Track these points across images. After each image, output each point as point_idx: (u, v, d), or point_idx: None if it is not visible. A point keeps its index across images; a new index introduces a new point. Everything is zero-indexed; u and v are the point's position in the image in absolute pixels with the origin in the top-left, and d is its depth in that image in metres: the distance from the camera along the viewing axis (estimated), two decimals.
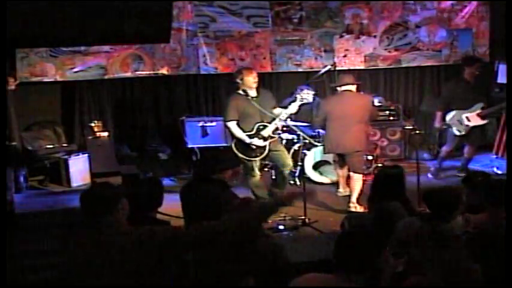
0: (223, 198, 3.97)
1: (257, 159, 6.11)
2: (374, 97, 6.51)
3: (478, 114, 7.02)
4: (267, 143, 6.07)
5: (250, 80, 6.03)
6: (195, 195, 4.14)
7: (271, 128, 6.06)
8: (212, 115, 8.34)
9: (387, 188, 4.40)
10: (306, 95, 6.04)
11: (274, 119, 6.06)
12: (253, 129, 6.06)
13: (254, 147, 6.05)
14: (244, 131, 6.07)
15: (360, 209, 6.06)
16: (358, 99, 6.33)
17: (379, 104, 7.50)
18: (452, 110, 7.13)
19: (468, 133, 7.07)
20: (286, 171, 6.35)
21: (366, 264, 2.55)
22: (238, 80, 6.07)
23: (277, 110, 6.23)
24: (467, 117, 7.02)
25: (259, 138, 6.05)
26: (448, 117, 7.15)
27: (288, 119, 7.28)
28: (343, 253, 2.59)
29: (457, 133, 7.10)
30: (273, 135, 6.08)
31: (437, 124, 7.32)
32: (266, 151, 6.10)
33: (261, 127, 6.06)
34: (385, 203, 4.14)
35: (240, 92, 6.08)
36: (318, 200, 6.50)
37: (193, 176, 4.63)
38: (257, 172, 6.25)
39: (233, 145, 6.16)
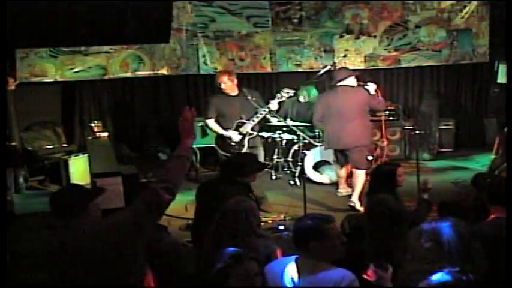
0: None
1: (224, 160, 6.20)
2: (367, 84, 6.40)
3: None
4: (246, 138, 6.21)
5: (222, 82, 6.20)
6: (219, 195, 4.12)
7: (249, 125, 6.20)
8: None
9: (380, 184, 4.43)
10: (285, 93, 6.27)
11: (253, 116, 6.21)
12: (232, 126, 6.24)
13: (233, 143, 6.21)
14: (224, 128, 6.26)
15: (360, 207, 6.08)
16: (353, 93, 6.28)
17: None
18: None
19: None
20: None
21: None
22: (217, 83, 6.31)
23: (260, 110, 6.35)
24: None
25: (239, 133, 6.23)
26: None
27: (288, 119, 7.34)
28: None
29: None
30: (251, 132, 6.23)
31: None
32: (245, 147, 6.21)
33: (240, 124, 6.24)
34: (376, 195, 4.19)
35: (222, 91, 6.28)
36: (318, 200, 6.51)
37: (220, 176, 4.63)
38: None
39: (214, 142, 6.38)
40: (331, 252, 2.79)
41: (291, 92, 6.38)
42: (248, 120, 6.21)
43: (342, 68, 7.05)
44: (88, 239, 2.57)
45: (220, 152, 6.29)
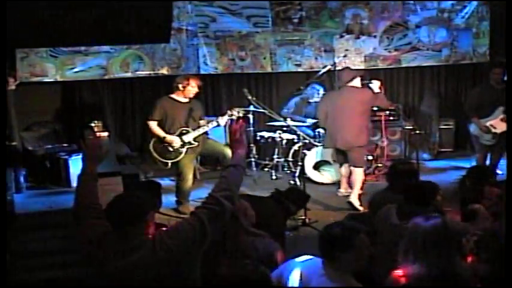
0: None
1: (169, 161, 6.13)
2: (371, 82, 6.44)
3: (502, 120, 6.55)
4: (185, 147, 6.11)
5: (192, 87, 6.17)
6: (265, 210, 4.13)
7: (193, 134, 6.14)
8: (212, 115, 8.34)
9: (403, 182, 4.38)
10: (236, 112, 6.28)
11: (199, 127, 6.18)
12: (175, 132, 6.13)
13: (171, 149, 6.09)
14: (166, 133, 6.12)
15: (359, 206, 6.14)
16: (358, 93, 6.32)
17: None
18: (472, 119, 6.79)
19: (498, 141, 6.63)
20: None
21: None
22: (179, 86, 6.18)
23: (202, 121, 6.31)
24: (491, 125, 6.60)
25: (181, 140, 6.12)
26: (472, 128, 6.83)
27: (289, 119, 7.33)
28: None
29: (488, 143, 6.70)
30: (193, 142, 6.16)
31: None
32: (181, 156, 6.12)
33: (184, 131, 6.15)
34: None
35: (172, 96, 6.23)
36: (318, 200, 6.51)
37: (275, 195, 4.81)
38: (190, 177, 6.27)
39: (151, 145, 6.17)
40: (357, 263, 2.72)
41: (241, 112, 6.38)
42: (193, 129, 6.15)
43: (346, 68, 6.99)
44: (149, 248, 2.56)
45: (155, 156, 6.13)
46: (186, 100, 6.23)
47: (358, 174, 6.33)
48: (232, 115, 6.26)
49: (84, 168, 2.94)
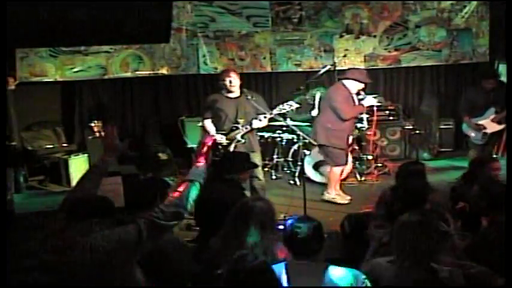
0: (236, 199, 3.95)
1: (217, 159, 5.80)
2: (372, 96, 6.52)
3: (492, 120, 6.65)
4: (232, 145, 5.84)
5: (229, 79, 5.90)
6: (210, 194, 4.04)
7: (240, 132, 5.87)
8: None
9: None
10: (287, 106, 5.92)
11: (246, 124, 5.89)
12: (225, 129, 5.91)
13: (220, 147, 5.83)
14: (217, 130, 5.93)
15: (334, 196, 6.37)
16: (331, 90, 6.45)
17: (379, 104, 7.44)
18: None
19: (489, 140, 6.76)
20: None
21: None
22: (220, 82, 5.99)
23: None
24: (481, 125, 6.69)
25: (227, 138, 5.89)
26: (464, 128, 6.91)
27: (288, 119, 7.32)
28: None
29: (478, 142, 6.77)
30: (239, 139, 5.87)
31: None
32: None
33: (234, 128, 5.90)
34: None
35: (221, 92, 6.00)
36: (317, 200, 6.51)
37: (211, 174, 4.63)
38: None
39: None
40: None
41: (294, 106, 5.93)
42: (242, 126, 5.88)
43: (365, 70, 7.01)
44: (82, 248, 2.61)
45: None
46: (235, 95, 5.95)
47: (331, 172, 6.50)
48: (283, 109, 5.91)
49: (99, 158, 3.02)
